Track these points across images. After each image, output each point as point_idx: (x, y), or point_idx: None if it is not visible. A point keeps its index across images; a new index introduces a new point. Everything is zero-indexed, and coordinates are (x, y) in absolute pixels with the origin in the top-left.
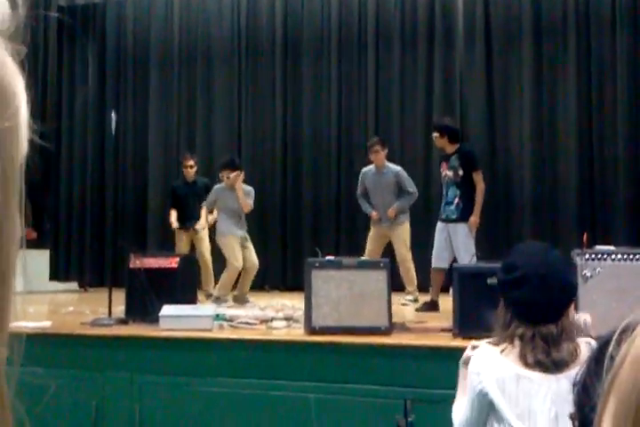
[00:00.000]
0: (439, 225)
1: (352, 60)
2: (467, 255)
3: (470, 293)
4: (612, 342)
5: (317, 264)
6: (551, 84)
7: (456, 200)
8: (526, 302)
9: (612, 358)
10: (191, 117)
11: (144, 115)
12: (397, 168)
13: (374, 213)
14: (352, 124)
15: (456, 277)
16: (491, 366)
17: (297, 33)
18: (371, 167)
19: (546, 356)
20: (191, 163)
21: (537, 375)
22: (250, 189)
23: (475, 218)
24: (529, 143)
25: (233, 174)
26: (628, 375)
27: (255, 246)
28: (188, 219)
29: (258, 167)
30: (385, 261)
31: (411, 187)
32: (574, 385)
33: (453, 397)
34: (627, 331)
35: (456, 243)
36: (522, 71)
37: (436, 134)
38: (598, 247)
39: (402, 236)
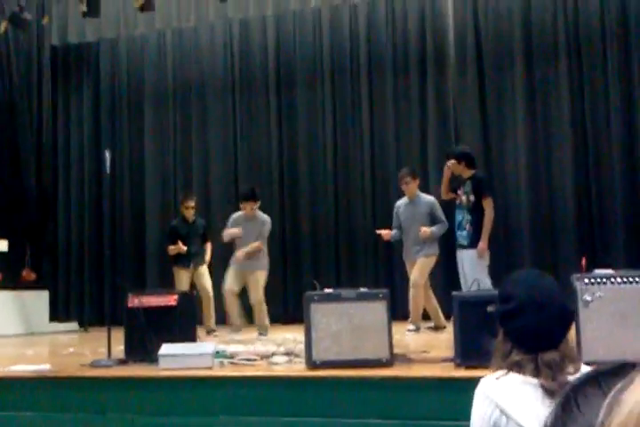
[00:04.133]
0: (457, 252)
1: (345, 89)
2: (471, 282)
3: (471, 321)
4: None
5: (316, 298)
6: (545, 107)
7: (467, 226)
8: (526, 332)
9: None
10: (187, 154)
11: (140, 153)
12: (431, 198)
13: (384, 233)
14: (348, 153)
15: (456, 306)
16: (495, 385)
17: (290, 64)
18: (404, 199)
19: (552, 380)
20: (192, 204)
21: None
22: (267, 217)
23: (482, 244)
24: (525, 167)
25: (255, 206)
26: None
27: None
28: (189, 258)
29: None
30: (384, 291)
31: (443, 216)
32: None
33: None
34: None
35: (464, 269)
36: (515, 95)
37: (453, 161)
38: (597, 271)
39: (423, 264)
